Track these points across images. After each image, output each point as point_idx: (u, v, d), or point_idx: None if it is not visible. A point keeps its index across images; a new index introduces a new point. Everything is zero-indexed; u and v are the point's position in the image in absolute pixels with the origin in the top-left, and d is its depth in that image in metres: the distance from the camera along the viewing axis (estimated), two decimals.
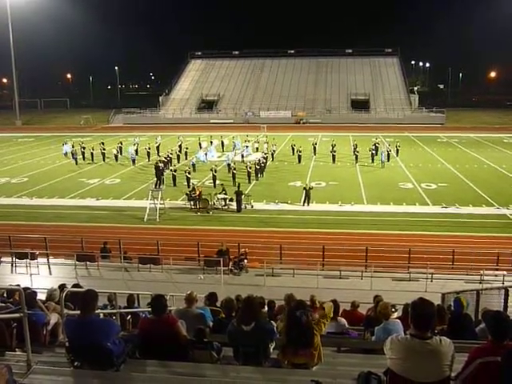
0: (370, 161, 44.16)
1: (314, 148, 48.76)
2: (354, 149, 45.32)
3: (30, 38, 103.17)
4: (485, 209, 29.66)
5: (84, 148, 48.14)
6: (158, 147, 49.57)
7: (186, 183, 35.23)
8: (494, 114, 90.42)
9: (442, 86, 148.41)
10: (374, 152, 44.48)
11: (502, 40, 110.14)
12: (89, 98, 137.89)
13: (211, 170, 36.36)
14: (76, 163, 45.57)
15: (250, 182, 36.36)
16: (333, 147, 45.48)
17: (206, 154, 45.53)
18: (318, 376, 4.97)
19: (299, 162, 44.58)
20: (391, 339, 4.20)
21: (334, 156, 44.96)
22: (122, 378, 5.04)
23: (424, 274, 18.62)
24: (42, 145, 61.13)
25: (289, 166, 44.05)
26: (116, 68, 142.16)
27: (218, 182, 35.01)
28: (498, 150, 52.88)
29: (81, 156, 47.17)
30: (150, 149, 47.61)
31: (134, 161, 44.68)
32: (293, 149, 47.65)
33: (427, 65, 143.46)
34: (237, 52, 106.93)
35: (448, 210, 29.43)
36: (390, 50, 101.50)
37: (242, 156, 43.98)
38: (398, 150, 47.32)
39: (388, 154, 44.93)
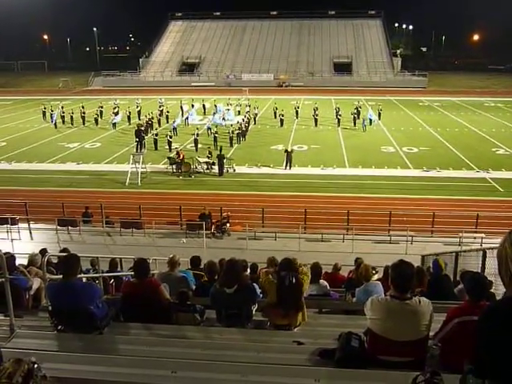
0: (352, 124, 44.08)
1: (297, 111, 48.58)
2: (337, 112, 45.23)
3: None
4: (465, 172, 29.99)
5: (63, 112, 47.32)
6: (139, 112, 48.82)
7: (167, 147, 35.03)
8: (475, 77, 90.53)
9: (424, 49, 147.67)
10: (356, 116, 44.37)
11: (486, 3, 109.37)
12: (67, 60, 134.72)
13: (193, 134, 36.12)
14: (55, 127, 44.85)
15: (232, 146, 36.23)
16: (315, 111, 45.22)
17: (187, 118, 45.11)
18: (300, 337, 5.05)
19: (281, 125, 44.38)
20: (371, 300, 4.26)
21: (316, 120, 44.74)
22: (106, 341, 5.07)
23: (404, 236, 18.90)
24: (19, 108, 59.89)
25: (271, 129, 43.83)
26: (94, 29, 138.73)
27: (199, 145, 34.86)
28: (478, 114, 53.15)
29: (60, 120, 46.39)
30: (130, 113, 46.87)
31: (114, 124, 44.05)
32: (275, 112, 47.39)
33: (410, 27, 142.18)
34: (218, 13, 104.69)
35: (429, 173, 29.70)
36: (373, 12, 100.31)
37: (224, 119, 43.62)
38: (379, 114, 47.10)
39: (378, 115, 46.47)
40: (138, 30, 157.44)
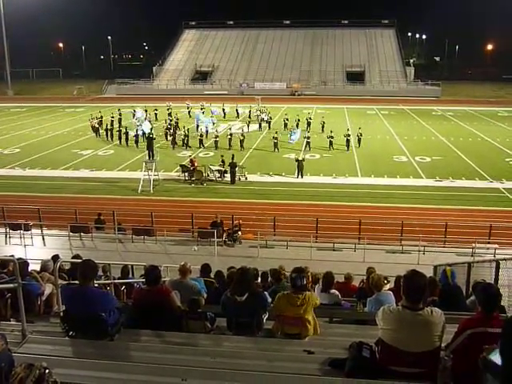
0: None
1: (309, 123, 47.62)
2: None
3: (20, 6, 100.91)
4: (478, 182, 29.76)
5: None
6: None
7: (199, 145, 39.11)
8: (489, 87, 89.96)
9: (438, 59, 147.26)
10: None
11: (499, 13, 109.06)
12: (81, 68, 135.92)
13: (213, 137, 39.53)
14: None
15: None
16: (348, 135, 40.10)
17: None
18: (311, 346, 5.03)
19: (275, 149, 38.38)
20: (383, 310, 4.24)
21: (348, 140, 38.55)
22: (117, 347, 5.08)
23: (416, 246, 18.78)
24: (34, 115, 60.45)
25: (284, 137, 43.61)
26: (109, 38, 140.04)
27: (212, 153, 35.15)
28: (492, 124, 52.81)
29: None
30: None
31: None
32: (285, 123, 47.21)
33: (423, 37, 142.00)
34: (231, 22, 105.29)
35: (441, 183, 29.53)
36: (386, 22, 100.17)
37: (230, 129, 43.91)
38: (359, 140, 39.96)
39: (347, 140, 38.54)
40: (152, 38, 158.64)
